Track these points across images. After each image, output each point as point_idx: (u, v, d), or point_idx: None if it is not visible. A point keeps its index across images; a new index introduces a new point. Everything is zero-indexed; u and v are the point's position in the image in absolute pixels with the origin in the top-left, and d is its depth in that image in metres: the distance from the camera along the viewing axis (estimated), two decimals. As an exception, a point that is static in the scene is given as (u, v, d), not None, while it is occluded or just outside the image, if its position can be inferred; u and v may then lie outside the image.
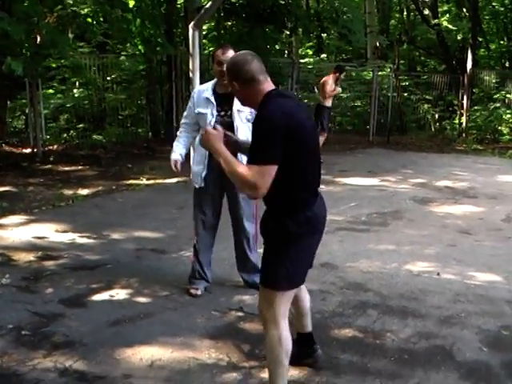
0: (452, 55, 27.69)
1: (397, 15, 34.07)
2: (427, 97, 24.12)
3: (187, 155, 6.47)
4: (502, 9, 27.87)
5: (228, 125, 5.86)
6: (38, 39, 13.46)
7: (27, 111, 16.92)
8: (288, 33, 23.77)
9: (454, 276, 7.13)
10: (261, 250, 4.33)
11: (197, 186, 6.26)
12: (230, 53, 5.90)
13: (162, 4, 19.45)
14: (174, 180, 12.16)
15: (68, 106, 19.00)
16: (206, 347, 5.17)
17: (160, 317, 5.82)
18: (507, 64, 28.44)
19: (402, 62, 29.85)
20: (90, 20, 16.49)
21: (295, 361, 4.60)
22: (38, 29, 13.46)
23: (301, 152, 3.94)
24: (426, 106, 23.88)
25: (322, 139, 14.11)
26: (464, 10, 27.24)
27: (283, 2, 19.45)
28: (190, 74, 12.84)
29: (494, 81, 24.01)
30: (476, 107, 23.29)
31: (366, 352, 5.09)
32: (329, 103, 14.88)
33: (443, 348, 5.25)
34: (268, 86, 4.04)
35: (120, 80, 20.17)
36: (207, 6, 12.72)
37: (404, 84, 24.29)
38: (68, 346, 5.14)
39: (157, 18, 18.37)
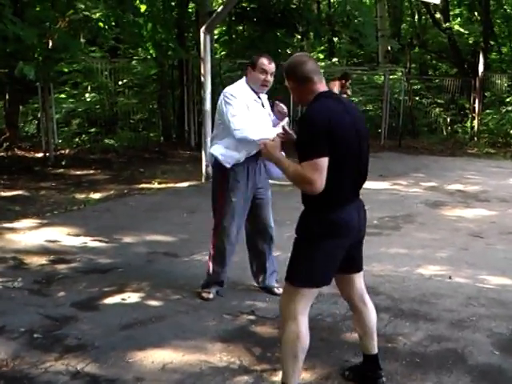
0: (463, 59, 27.63)
1: (408, 19, 33.99)
2: (439, 100, 24.07)
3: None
4: (514, 12, 27.85)
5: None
6: (50, 44, 13.53)
7: (39, 116, 16.98)
8: (299, 37, 23.80)
9: (466, 279, 7.12)
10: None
11: (228, 166, 6.03)
12: (273, 64, 6.06)
13: (174, 8, 19.51)
14: (186, 184, 12.20)
15: (80, 110, 19.05)
16: (217, 350, 5.17)
17: (172, 320, 5.82)
18: (519, 67, 28.38)
19: (413, 65, 29.79)
20: (101, 24, 16.55)
21: (358, 379, 4.70)
22: (49, 33, 13.52)
23: (339, 153, 4.02)
24: (437, 109, 23.81)
25: None
26: (476, 13, 27.21)
27: (294, 6, 19.48)
28: (202, 78, 12.91)
29: (505, 84, 23.93)
30: (488, 111, 23.22)
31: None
32: None
33: (455, 351, 5.23)
34: (321, 86, 4.20)
35: (132, 84, 20.22)
36: (218, 10, 12.77)
37: (415, 88, 24.24)
38: (80, 349, 5.15)
39: (168, 23, 18.44)
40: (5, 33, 10.96)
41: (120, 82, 19.45)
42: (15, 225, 9.30)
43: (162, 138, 19.72)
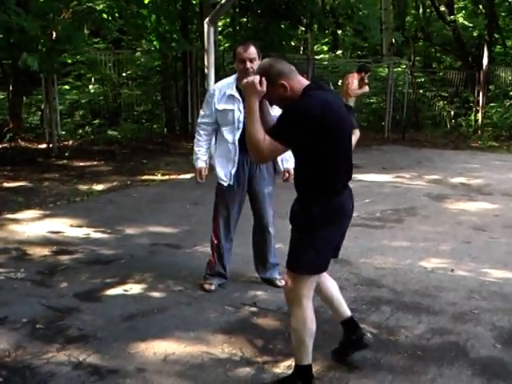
0: (468, 52, 27.57)
1: (413, 12, 33.93)
2: (443, 93, 24.06)
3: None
4: (519, 5, 27.74)
5: None
6: (54, 35, 13.51)
7: (43, 107, 16.97)
8: (303, 29, 23.72)
9: (469, 273, 7.11)
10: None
11: (225, 184, 6.18)
12: (252, 49, 5.94)
13: (178, 0, 19.47)
14: (189, 176, 12.17)
15: (83, 101, 19.08)
16: (219, 342, 5.18)
17: (174, 311, 5.84)
18: (524, 61, 28.33)
19: (417, 58, 29.77)
20: (105, 16, 16.53)
21: (344, 353, 4.91)
22: (53, 24, 13.51)
23: (335, 140, 4.15)
24: (441, 102, 23.80)
25: (354, 137, 13.99)
26: (480, 6, 27.10)
27: (299, -2, 19.42)
28: (205, 70, 12.90)
29: (510, 78, 23.90)
30: (492, 104, 23.21)
31: (379, 348, 5.08)
32: (352, 102, 14.69)
33: (457, 344, 5.23)
34: (303, 81, 4.26)
35: (135, 76, 20.24)
36: (222, 1, 12.73)
37: (419, 81, 24.24)
38: (82, 339, 5.17)
39: (172, 14, 18.43)
40: (8, 24, 10.96)
41: (124, 74, 19.45)
42: (18, 216, 9.33)
43: (165, 130, 19.73)
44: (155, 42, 19.07)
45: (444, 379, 4.65)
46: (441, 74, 25.94)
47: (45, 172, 13.02)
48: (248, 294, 6.28)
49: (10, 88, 17.21)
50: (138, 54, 20.80)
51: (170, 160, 14.27)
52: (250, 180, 6.26)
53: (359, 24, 19.56)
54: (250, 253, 6.64)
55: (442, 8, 28.88)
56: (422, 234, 8.72)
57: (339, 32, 28.11)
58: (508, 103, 22.60)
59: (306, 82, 4.23)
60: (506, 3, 27.27)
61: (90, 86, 19.65)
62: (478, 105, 22.64)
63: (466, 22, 27.05)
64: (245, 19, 21.22)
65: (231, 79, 6.24)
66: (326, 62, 24.91)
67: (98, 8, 16.33)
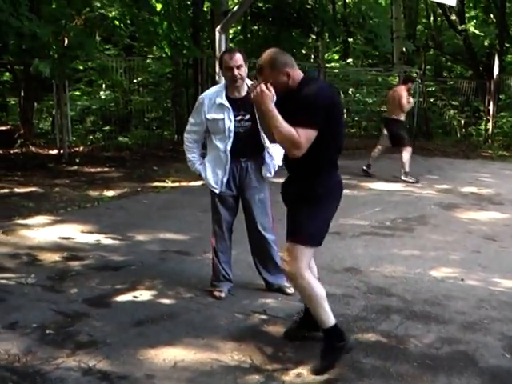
0: (479, 61, 27.53)
1: (424, 20, 33.90)
2: (453, 102, 23.98)
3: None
4: (530, 15, 27.69)
5: (247, 129, 6.07)
6: (66, 41, 13.57)
7: (54, 113, 17.05)
8: (314, 37, 23.78)
9: (478, 282, 7.09)
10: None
11: (217, 192, 6.23)
12: (238, 56, 5.95)
13: (189, 7, 19.53)
14: (199, 183, 12.15)
15: (94, 108, 19.14)
16: (228, 349, 5.17)
17: (183, 318, 5.84)
18: (534, 71, 28.26)
19: (428, 67, 29.76)
20: (117, 23, 16.65)
21: (297, 333, 5.29)
22: (65, 31, 13.57)
23: (340, 120, 4.82)
24: (452, 111, 23.72)
25: (407, 154, 13.97)
26: (491, 15, 27.09)
27: (310, 7, 19.47)
28: (216, 78, 12.93)
29: (520, 87, 23.86)
30: (502, 113, 23.15)
31: (388, 356, 5.08)
32: (403, 117, 14.40)
33: (466, 354, 5.21)
34: (301, 73, 4.74)
35: (146, 82, 20.27)
36: (234, 9, 12.78)
37: (430, 90, 24.19)
38: (92, 345, 5.18)
39: (184, 22, 18.47)
40: (21, 30, 10.99)
41: (134, 80, 19.48)
42: (29, 221, 9.35)
43: (175, 137, 19.71)
44: (166, 49, 19.12)
45: (453, 389, 4.64)
46: (451, 83, 25.88)
47: (55, 178, 13.05)
48: (258, 302, 6.27)
49: (22, 94, 17.29)
50: (149, 60, 20.86)
51: (180, 167, 14.25)
52: (241, 187, 6.27)
53: (370, 32, 19.63)
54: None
55: (453, 17, 28.83)
56: (432, 243, 8.70)
57: (350, 40, 28.17)
58: (519, 113, 22.56)
59: (302, 74, 4.70)
60: (518, 12, 27.26)
61: (101, 93, 19.70)
62: (489, 114, 22.59)
63: (476, 31, 27.02)
64: (256, 27, 21.29)
65: (220, 87, 6.27)
66: (336, 71, 24.94)
67: (110, 15, 16.44)
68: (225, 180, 6.18)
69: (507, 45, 27.16)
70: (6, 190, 11.64)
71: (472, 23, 28.25)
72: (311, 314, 4.95)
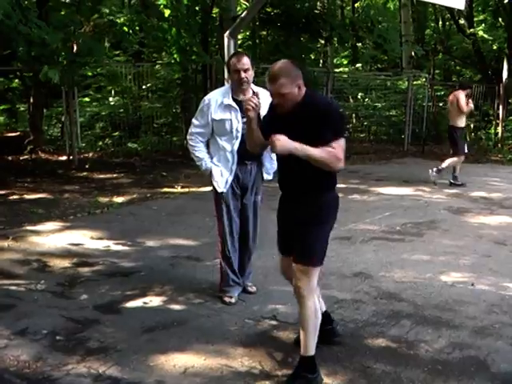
0: (488, 65, 27.49)
1: (432, 25, 33.89)
2: (462, 106, 23.92)
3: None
4: (539, 18, 27.60)
5: None
6: (75, 48, 13.58)
7: (63, 119, 17.08)
8: (323, 42, 23.76)
9: (489, 287, 7.07)
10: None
11: (220, 191, 6.28)
12: (245, 59, 6.01)
13: (198, 13, 19.54)
14: (209, 188, 12.11)
15: (103, 114, 19.16)
16: (239, 355, 5.17)
17: (193, 324, 5.84)
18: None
19: (437, 71, 29.74)
20: (126, 29, 16.64)
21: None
22: (74, 37, 13.59)
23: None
24: (461, 115, 23.68)
25: (455, 159, 13.90)
26: (500, 19, 27.02)
27: (318, 12, 19.46)
28: (225, 83, 12.89)
29: (530, 91, 23.77)
30: (510, 119, 23.09)
31: (399, 362, 5.07)
32: (463, 123, 14.39)
33: (477, 359, 5.20)
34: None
35: (155, 88, 20.27)
36: (243, 15, 12.77)
37: (439, 94, 24.16)
38: (102, 351, 5.18)
39: (192, 27, 18.46)
40: (30, 36, 11.01)
41: (144, 86, 19.49)
42: (39, 227, 9.36)
43: (185, 143, 19.68)
44: (175, 55, 19.11)
45: (465, 394, 4.63)
46: (461, 87, 25.83)
47: (65, 184, 13.07)
48: (268, 307, 6.26)
49: (31, 100, 17.32)
50: (158, 66, 20.86)
51: (189, 172, 14.28)
52: (243, 188, 6.34)
53: (379, 37, 19.57)
54: (270, 265, 6.69)
55: (462, 21, 28.81)
56: (442, 248, 8.68)
57: (359, 45, 28.15)
58: (528, 117, 22.49)
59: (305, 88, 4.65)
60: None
61: (111, 99, 19.75)
62: (498, 118, 22.55)
63: (485, 35, 26.97)
64: (265, 32, 21.29)
65: (225, 89, 6.30)
66: (345, 75, 24.88)
67: (119, 21, 16.44)
68: (229, 180, 6.24)
69: (516, 49, 27.11)
70: (15, 197, 11.66)
71: (481, 27, 28.18)
72: (324, 322, 4.95)
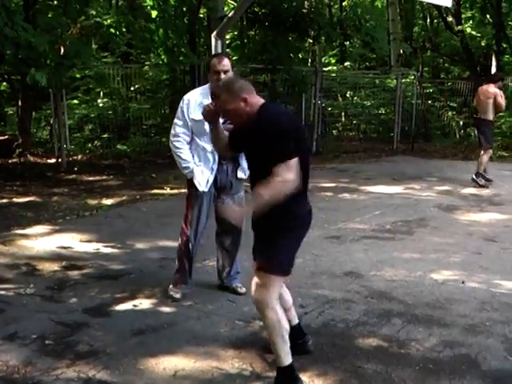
0: (476, 62, 27.56)
1: (420, 22, 33.97)
2: (451, 104, 23.99)
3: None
4: (527, 14, 27.73)
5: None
6: (62, 50, 13.53)
7: (52, 122, 17.01)
8: (311, 41, 23.76)
9: (480, 284, 7.07)
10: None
11: (200, 189, 6.31)
12: (226, 61, 6.06)
13: (185, 14, 19.52)
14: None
15: (92, 116, 19.10)
16: (229, 357, 5.15)
17: (183, 326, 5.82)
18: (532, 70, 28.27)
19: (425, 69, 29.79)
20: (113, 30, 16.60)
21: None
22: (61, 40, 13.54)
23: (303, 144, 4.61)
24: (450, 113, 23.74)
25: (486, 156, 13.83)
26: (488, 16, 27.12)
27: (306, 11, 19.45)
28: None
29: (519, 87, 23.84)
30: (501, 114, 23.11)
31: (390, 361, 5.05)
32: (493, 116, 14.17)
33: (468, 357, 5.19)
34: (260, 99, 4.58)
35: (144, 90, 20.24)
36: (230, 15, 12.75)
37: (428, 91, 24.19)
38: (91, 355, 5.14)
39: (180, 28, 18.46)
40: (16, 39, 10.98)
41: (132, 88, 19.46)
42: (27, 231, 9.32)
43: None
44: (163, 56, 19.10)
45: (456, 392, 4.62)
46: (449, 84, 25.89)
47: (54, 187, 13.03)
48: (258, 308, 6.25)
49: (19, 103, 17.25)
50: (146, 67, 20.85)
51: (179, 174, 14.09)
52: (220, 188, 6.42)
53: (367, 35, 19.62)
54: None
55: (450, 18, 28.87)
56: (433, 246, 8.68)
57: (347, 44, 28.20)
58: (517, 113, 22.51)
59: (262, 100, 4.55)
60: (514, 12, 27.31)
61: (99, 101, 19.69)
62: (487, 115, 22.55)
63: (473, 32, 27.10)
64: (253, 32, 21.27)
65: (204, 90, 6.31)
66: (334, 74, 24.87)
67: (105, 23, 16.39)
68: (211, 180, 6.29)
69: (504, 45, 27.19)
70: (4, 200, 11.62)
71: (469, 24, 28.31)
72: (294, 336, 4.88)
